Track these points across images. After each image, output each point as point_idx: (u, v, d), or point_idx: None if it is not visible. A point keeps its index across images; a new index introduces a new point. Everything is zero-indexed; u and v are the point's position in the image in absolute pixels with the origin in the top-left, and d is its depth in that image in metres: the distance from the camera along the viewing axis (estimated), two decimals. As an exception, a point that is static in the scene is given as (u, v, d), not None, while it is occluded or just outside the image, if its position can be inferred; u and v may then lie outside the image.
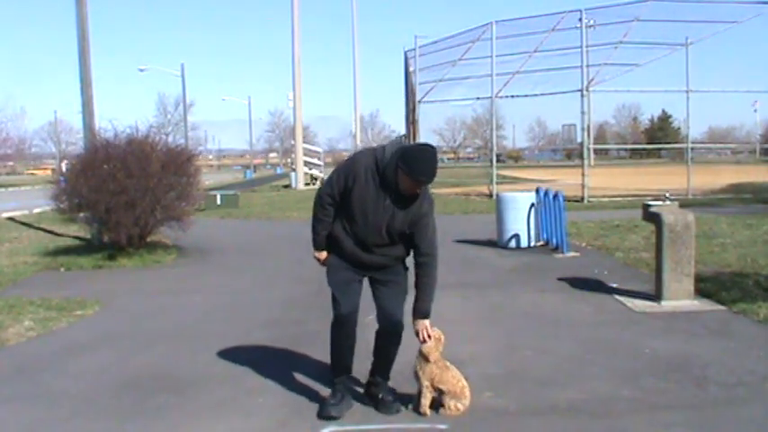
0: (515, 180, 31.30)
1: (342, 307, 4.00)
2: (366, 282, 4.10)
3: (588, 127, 21.03)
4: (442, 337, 4.05)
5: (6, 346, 5.82)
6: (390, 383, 4.27)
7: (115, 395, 4.54)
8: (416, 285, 3.97)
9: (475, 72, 22.74)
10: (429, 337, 3.97)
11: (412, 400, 4.14)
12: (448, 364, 4.06)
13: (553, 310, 6.64)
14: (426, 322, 3.98)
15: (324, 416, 4.02)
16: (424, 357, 4.00)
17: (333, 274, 4.05)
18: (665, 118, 68.02)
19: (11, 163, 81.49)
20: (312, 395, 4.43)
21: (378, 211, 3.80)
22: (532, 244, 10.68)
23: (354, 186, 3.80)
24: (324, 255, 4.09)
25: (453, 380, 4.01)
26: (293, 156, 37.91)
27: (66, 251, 11.48)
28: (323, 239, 4.06)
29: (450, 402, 4.01)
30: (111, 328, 6.52)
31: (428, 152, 3.71)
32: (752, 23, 19.97)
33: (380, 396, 4.18)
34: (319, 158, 39.90)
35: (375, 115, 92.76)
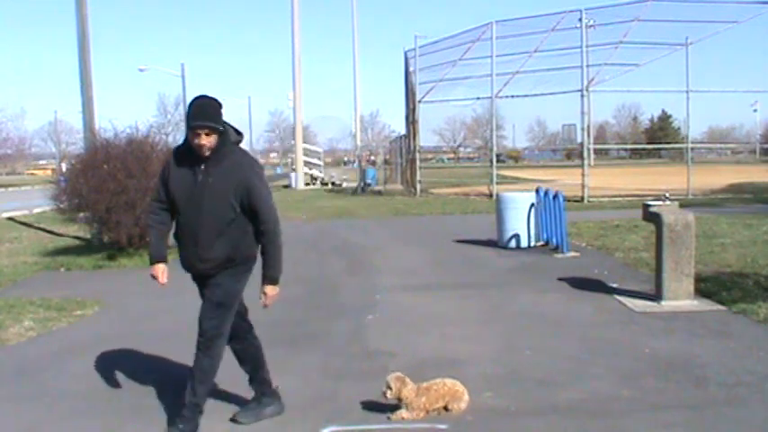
0: (515, 180, 31.27)
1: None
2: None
3: (588, 127, 21.03)
4: (403, 376, 4.00)
5: (6, 346, 5.83)
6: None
7: (115, 395, 4.55)
8: (262, 253, 4.01)
9: (475, 72, 22.77)
10: (267, 300, 3.98)
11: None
12: (426, 384, 4.02)
13: (553, 310, 6.64)
14: (273, 290, 3.98)
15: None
16: (405, 400, 3.95)
17: None
18: (665, 118, 67.86)
19: (43, 162, 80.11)
20: (312, 396, 4.43)
21: (195, 186, 3.79)
22: (532, 244, 10.67)
23: (170, 176, 3.88)
24: (158, 268, 4.01)
25: (443, 391, 4.00)
26: (293, 156, 37.90)
27: (66, 251, 11.49)
28: (157, 250, 4.05)
29: (452, 405, 4.02)
30: (110, 328, 6.52)
31: (202, 98, 3.77)
32: (752, 23, 20.02)
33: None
34: (319, 158, 39.86)
35: (375, 115, 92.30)
